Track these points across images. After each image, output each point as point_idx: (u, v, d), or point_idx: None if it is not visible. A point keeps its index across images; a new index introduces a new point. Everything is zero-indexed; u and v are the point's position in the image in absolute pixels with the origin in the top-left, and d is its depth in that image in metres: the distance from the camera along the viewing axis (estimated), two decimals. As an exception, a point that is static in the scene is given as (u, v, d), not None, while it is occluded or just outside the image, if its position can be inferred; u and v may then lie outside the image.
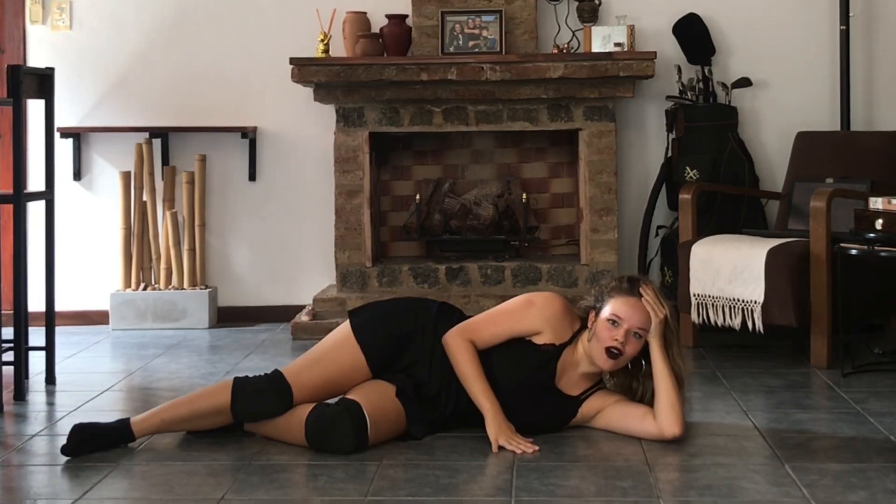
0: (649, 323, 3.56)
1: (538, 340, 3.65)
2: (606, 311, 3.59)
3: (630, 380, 3.70)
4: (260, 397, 3.57)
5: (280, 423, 3.58)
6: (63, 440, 3.52)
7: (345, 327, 3.73)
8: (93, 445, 3.50)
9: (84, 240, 5.99)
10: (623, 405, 3.66)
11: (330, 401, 3.61)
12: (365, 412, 3.47)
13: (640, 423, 3.58)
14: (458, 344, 3.63)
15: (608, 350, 3.54)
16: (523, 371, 3.65)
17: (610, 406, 3.66)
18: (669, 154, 5.72)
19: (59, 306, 5.13)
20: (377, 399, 3.55)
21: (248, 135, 5.90)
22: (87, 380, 4.59)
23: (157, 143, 5.94)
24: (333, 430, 3.45)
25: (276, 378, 3.61)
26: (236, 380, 3.61)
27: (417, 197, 5.80)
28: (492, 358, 3.67)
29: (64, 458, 3.46)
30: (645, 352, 3.61)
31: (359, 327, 3.70)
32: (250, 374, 3.69)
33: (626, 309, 3.57)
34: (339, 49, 5.81)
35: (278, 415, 3.57)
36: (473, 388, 3.60)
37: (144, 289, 5.85)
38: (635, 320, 3.56)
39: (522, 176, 5.95)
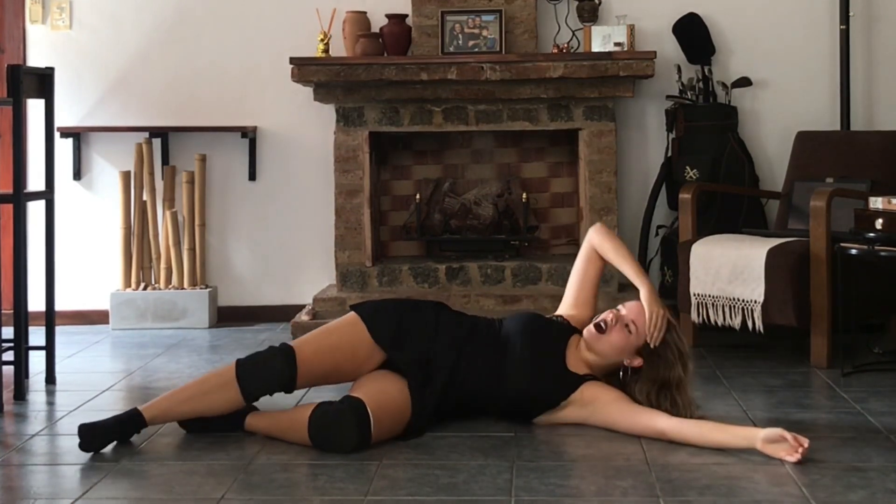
0: (638, 326, 3.71)
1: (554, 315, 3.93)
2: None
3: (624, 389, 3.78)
4: (263, 362, 3.64)
5: (283, 422, 3.59)
6: (63, 440, 3.53)
7: (346, 314, 3.87)
8: (107, 438, 3.52)
9: (84, 240, 5.99)
10: (629, 401, 3.67)
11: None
12: (368, 409, 3.47)
13: (650, 418, 3.58)
14: (604, 230, 3.93)
15: (597, 323, 3.75)
16: (533, 327, 3.80)
17: (613, 401, 3.66)
18: (669, 154, 5.72)
19: (59, 306, 5.13)
20: (381, 396, 3.56)
21: (248, 134, 5.90)
22: (87, 379, 4.59)
23: (157, 142, 5.94)
24: (337, 428, 3.45)
25: (280, 345, 3.69)
26: (239, 358, 3.67)
27: (417, 197, 5.81)
28: (505, 324, 3.86)
29: (64, 458, 3.48)
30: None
31: (359, 307, 3.85)
32: None
33: (633, 305, 3.75)
34: (339, 49, 5.81)
35: (284, 377, 3.61)
36: (626, 269, 3.84)
37: (144, 288, 5.85)
38: (634, 314, 3.72)
39: (522, 176, 5.95)
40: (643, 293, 3.73)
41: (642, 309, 3.71)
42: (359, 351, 3.73)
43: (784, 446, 3.31)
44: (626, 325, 3.70)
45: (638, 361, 3.70)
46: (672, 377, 3.66)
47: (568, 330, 3.85)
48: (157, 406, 3.62)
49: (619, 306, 3.78)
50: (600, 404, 3.66)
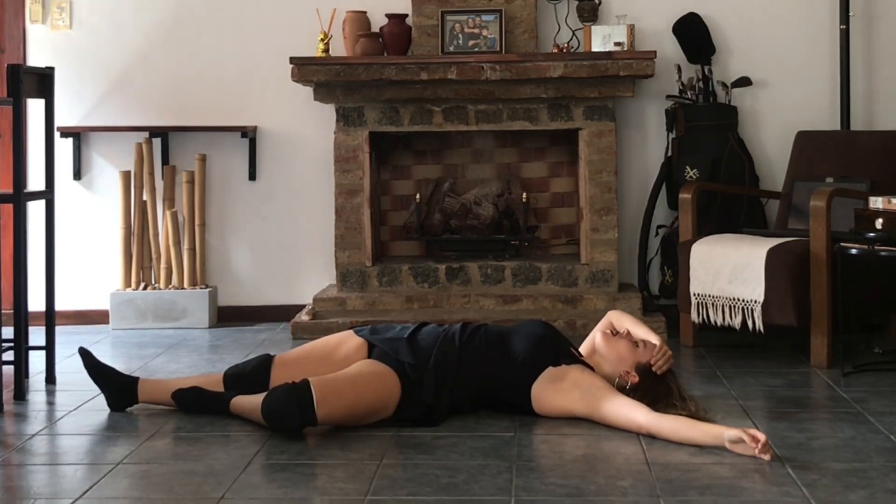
0: (647, 346, 3.88)
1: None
2: None
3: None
4: (245, 362, 4.00)
5: (253, 406, 3.70)
6: (63, 440, 3.53)
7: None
8: (103, 375, 4.00)
9: (84, 239, 5.99)
10: (615, 391, 3.74)
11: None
12: (312, 388, 3.57)
13: (631, 410, 3.63)
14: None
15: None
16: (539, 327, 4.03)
17: (603, 387, 3.74)
18: (669, 153, 5.72)
19: (59, 306, 5.14)
20: (335, 377, 3.67)
21: (248, 134, 5.90)
22: (86, 379, 4.54)
23: (157, 142, 5.94)
24: (280, 407, 3.57)
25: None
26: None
27: (417, 196, 5.81)
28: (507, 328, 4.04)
29: (64, 458, 3.50)
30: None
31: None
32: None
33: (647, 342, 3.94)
34: (339, 48, 5.81)
35: (263, 366, 3.90)
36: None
37: (144, 288, 5.85)
38: (640, 336, 3.96)
39: (522, 175, 5.95)
40: (658, 341, 3.90)
41: (654, 346, 3.87)
42: (340, 349, 3.96)
43: (746, 447, 3.33)
44: (636, 342, 3.88)
45: (634, 378, 3.80)
46: (668, 400, 3.75)
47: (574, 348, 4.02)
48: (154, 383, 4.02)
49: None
50: (592, 387, 3.74)
